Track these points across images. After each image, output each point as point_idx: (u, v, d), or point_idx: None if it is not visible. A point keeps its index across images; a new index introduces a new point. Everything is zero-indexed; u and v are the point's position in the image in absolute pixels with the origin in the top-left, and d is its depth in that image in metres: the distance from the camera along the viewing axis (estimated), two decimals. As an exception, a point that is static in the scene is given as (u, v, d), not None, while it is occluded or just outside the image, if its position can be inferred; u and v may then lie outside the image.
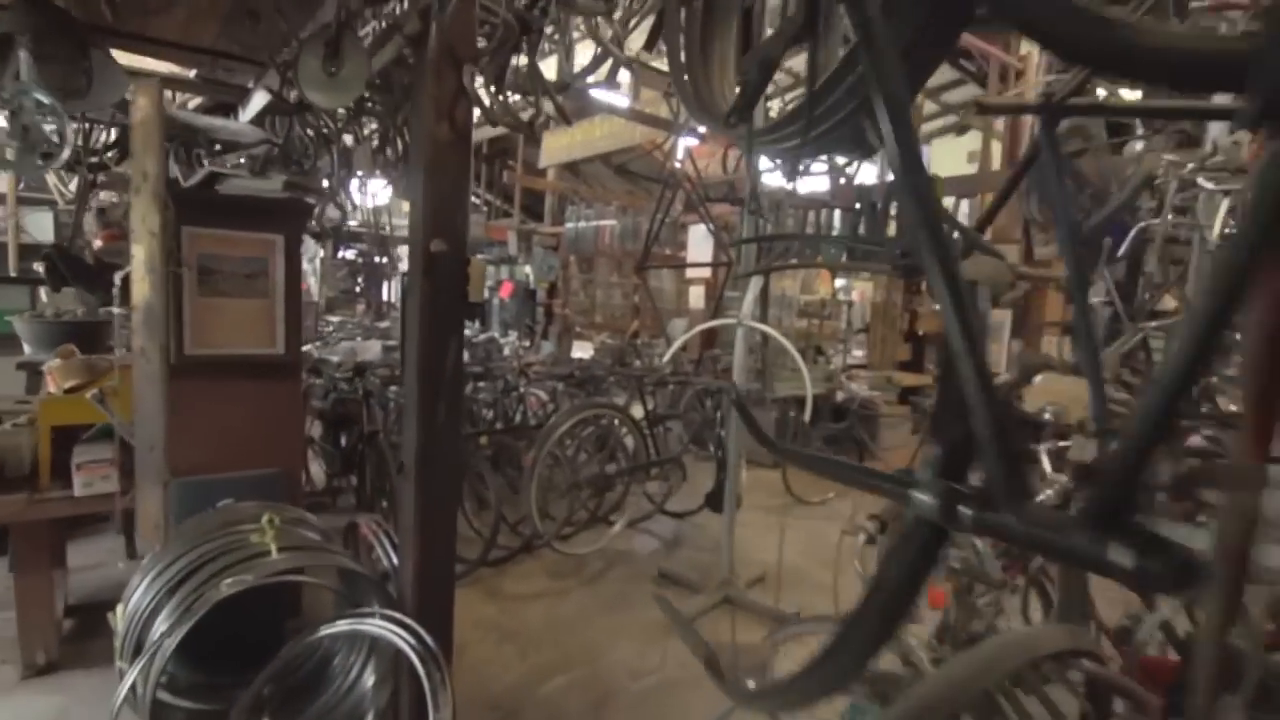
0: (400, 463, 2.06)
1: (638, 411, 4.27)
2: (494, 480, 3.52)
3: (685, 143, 7.36)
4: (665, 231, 7.85)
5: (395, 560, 2.41)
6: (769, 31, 1.41)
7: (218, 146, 3.08)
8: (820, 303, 8.12)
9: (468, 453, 3.66)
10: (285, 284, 2.65)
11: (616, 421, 3.77)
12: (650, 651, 3.14)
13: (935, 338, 11.63)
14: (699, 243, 7.20)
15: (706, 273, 7.24)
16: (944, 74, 10.04)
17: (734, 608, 3.57)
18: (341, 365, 4.24)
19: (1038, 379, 4.20)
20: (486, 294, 11.30)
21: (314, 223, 3.35)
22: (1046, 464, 3.07)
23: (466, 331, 8.64)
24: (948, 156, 11.02)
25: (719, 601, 3.58)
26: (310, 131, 2.80)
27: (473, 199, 14.25)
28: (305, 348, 5.20)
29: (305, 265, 11.42)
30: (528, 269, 11.02)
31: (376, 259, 10.80)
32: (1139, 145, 2.71)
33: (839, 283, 9.22)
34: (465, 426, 4.37)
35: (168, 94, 3.68)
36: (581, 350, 8.57)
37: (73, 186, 4.32)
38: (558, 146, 10.10)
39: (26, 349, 3.57)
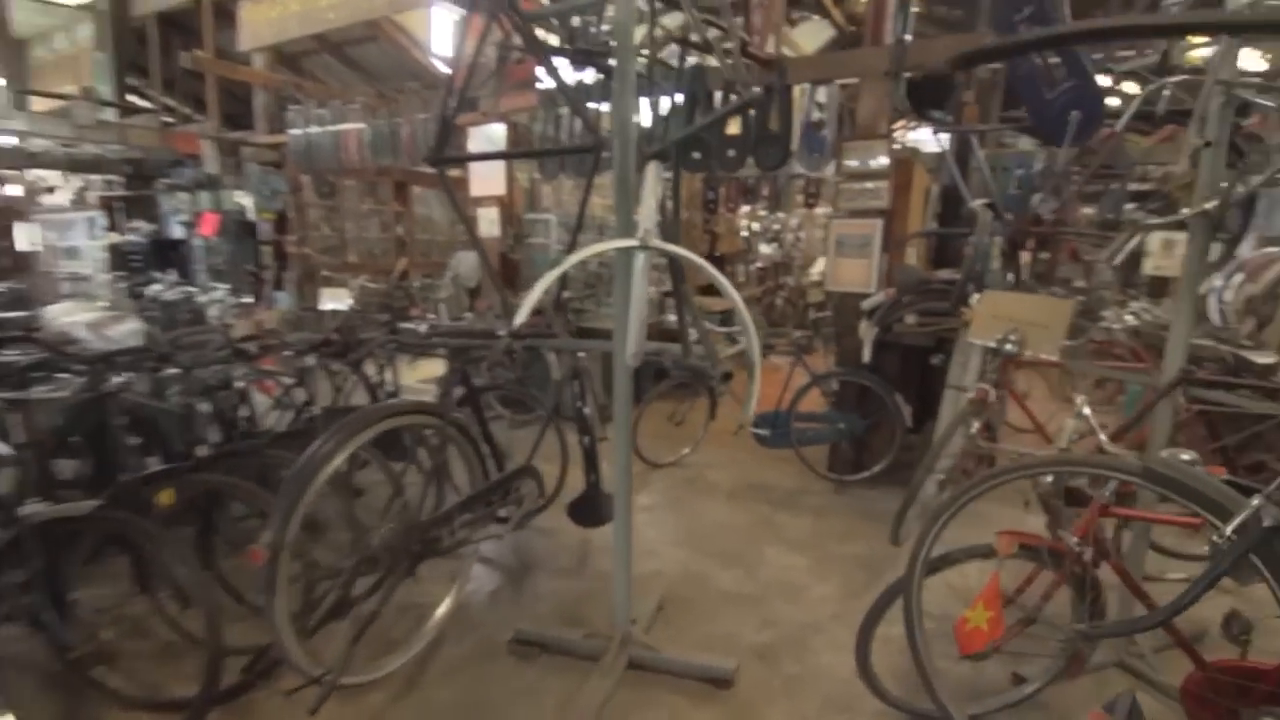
0: None
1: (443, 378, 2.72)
2: (192, 572, 1.81)
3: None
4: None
5: None
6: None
7: None
8: (630, 224, 6.98)
9: (129, 524, 1.89)
10: None
11: (432, 433, 2.23)
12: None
13: (734, 258, 11.33)
14: (488, 149, 5.52)
15: (498, 187, 5.62)
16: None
17: (645, 673, 2.40)
18: None
19: (975, 299, 3.53)
20: (181, 232, 8.31)
21: None
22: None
23: (155, 286, 5.99)
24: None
25: (623, 670, 2.37)
26: None
27: (139, 100, 10.46)
28: None
29: None
30: (240, 196, 8.24)
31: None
32: None
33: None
34: (134, 463, 2.48)
35: None
36: (335, 301, 6.52)
37: None
38: (263, 21, 7.37)
39: None
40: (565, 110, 5.10)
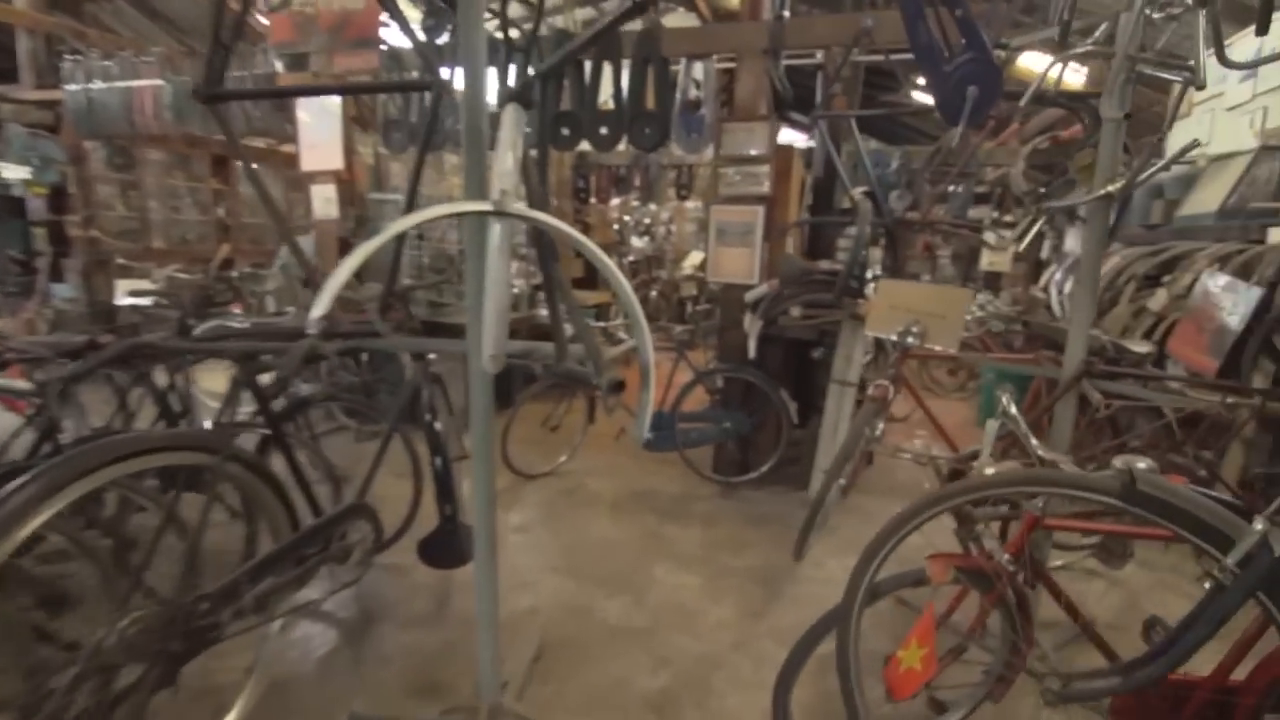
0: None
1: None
2: None
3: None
4: (261, 112, 5.06)
5: None
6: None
7: None
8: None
9: None
10: None
11: (209, 479, 1.59)
12: None
13: (606, 250, 10.94)
14: (320, 115, 4.72)
15: (334, 160, 4.83)
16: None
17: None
18: None
19: (872, 289, 3.33)
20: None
21: None
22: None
23: None
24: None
25: (490, 753, 1.90)
26: None
27: None
28: None
29: None
30: (4, 166, 6.67)
31: None
32: None
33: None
34: None
35: None
36: (136, 295, 5.41)
37: None
38: (23, -53, 5.96)
39: None
40: (415, 74, 4.45)
